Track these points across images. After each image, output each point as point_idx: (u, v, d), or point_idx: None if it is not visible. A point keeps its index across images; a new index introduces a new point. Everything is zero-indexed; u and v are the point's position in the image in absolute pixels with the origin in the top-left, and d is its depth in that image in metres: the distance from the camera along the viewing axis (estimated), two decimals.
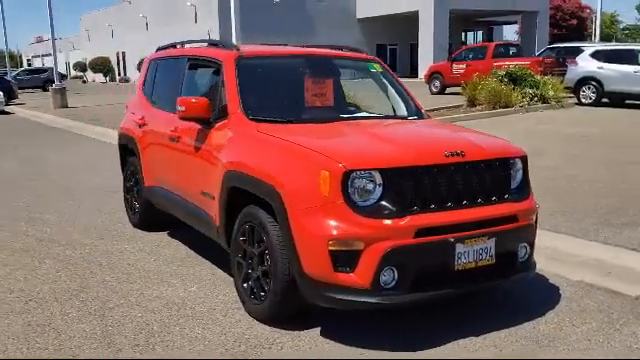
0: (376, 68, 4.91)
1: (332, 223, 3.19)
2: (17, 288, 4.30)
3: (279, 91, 4.54)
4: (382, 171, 3.25)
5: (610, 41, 46.08)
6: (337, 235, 3.18)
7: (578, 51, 20.86)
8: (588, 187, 7.26)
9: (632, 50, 17.54)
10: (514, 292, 4.11)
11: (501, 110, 15.96)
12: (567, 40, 37.64)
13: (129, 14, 46.38)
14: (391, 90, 4.85)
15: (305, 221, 3.26)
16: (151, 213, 5.63)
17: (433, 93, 22.80)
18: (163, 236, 5.58)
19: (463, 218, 3.36)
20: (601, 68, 17.26)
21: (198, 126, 4.35)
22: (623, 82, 16.74)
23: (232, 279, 4.34)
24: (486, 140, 3.80)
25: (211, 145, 4.19)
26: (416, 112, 4.67)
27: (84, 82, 50.26)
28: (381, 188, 3.26)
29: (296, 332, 3.54)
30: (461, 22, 41.57)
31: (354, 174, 3.21)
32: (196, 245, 5.21)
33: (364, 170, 3.23)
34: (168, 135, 4.82)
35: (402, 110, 4.71)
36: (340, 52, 4.92)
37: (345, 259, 3.19)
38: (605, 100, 17.53)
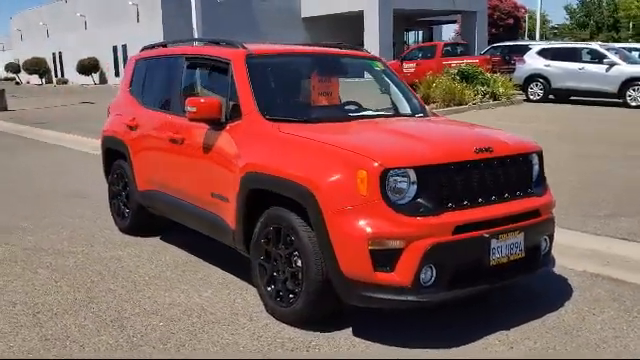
0: (379, 66, 4.92)
1: (371, 222, 3.17)
2: (19, 300, 4.06)
3: (289, 90, 4.49)
4: (417, 169, 3.26)
5: (542, 39, 48.17)
6: (377, 234, 3.16)
7: (520, 49, 21.60)
8: (565, 182, 7.50)
9: (577, 48, 18.30)
10: (530, 285, 4.18)
11: (455, 107, 16.31)
12: (504, 39, 39.02)
13: (65, 13, 44.72)
14: (393, 88, 4.86)
15: (343, 222, 3.22)
16: (143, 218, 5.45)
17: None
18: (156, 241, 5.41)
19: (495, 213, 3.41)
20: (548, 66, 17.90)
21: (206, 127, 4.23)
22: (569, 79, 17.42)
23: (244, 282, 4.30)
24: (507, 136, 3.86)
25: (223, 146, 4.08)
26: (421, 110, 4.70)
27: (17, 84, 48.14)
28: (416, 186, 3.26)
29: (329, 333, 3.50)
30: (403, 22, 42.15)
31: (391, 172, 3.20)
32: (194, 249, 5.07)
33: (401, 168, 3.23)
34: (168, 136, 4.66)
35: (406, 108, 4.72)
36: (344, 50, 4.89)
37: (385, 258, 3.18)
38: (551, 97, 18.20)
